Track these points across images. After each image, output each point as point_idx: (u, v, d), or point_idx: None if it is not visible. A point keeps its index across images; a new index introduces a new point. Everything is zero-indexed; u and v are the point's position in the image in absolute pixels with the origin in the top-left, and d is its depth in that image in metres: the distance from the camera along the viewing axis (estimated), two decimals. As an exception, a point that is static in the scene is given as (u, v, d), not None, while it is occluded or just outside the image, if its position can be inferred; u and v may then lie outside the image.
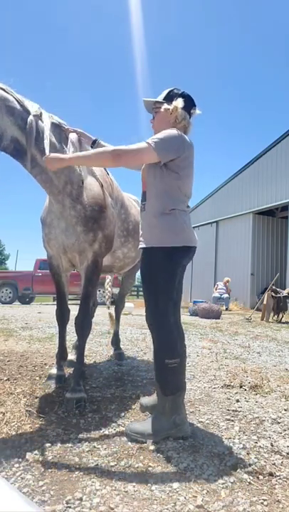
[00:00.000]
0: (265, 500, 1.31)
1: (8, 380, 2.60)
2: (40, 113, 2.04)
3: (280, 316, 8.66)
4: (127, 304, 7.17)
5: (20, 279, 12.95)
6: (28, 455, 1.54)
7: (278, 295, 8.79)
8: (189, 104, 1.96)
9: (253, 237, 14.13)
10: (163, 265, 1.83)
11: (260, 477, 1.47)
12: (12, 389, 2.33)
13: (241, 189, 14.54)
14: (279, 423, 2.03)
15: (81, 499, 1.26)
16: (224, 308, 11.61)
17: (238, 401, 2.37)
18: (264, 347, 4.68)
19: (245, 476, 1.47)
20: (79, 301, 2.37)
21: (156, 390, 1.87)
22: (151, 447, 1.67)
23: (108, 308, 3.93)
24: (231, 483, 1.41)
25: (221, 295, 12.30)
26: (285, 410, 2.23)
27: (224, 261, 15.50)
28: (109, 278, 4.29)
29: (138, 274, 3.39)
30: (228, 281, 12.77)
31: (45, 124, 2.03)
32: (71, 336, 3.54)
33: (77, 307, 2.36)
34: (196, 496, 1.30)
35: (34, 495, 1.27)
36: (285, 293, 9.02)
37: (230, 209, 15.17)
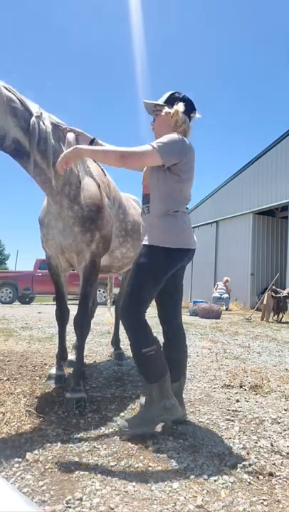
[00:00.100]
0: (265, 500, 1.31)
1: (8, 380, 2.60)
2: (41, 113, 2.04)
3: (280, 316, 8.67)
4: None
5: (20, 279, 12.96)
6: (28, 455, 1.54)
7: (278, 295, 8.80)
8: (190, 108, 1.99)
9: (253, 237, 14.13)
10: (155, 264, 1.85)
11: (260, 477, 1.47)
12: (12, 389, 2.33)
13: (241, 189, 14.54)
14: (279, 423, 2.03)
15: (81, 499, 1.26)
16: (224, 308, 11.61)
17: (238, 401, 2.37)
18: (264, 347, 4.68)
19: (245, 476, 1.47)
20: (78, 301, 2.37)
21: (142, 380, 1.90)
22: (151, 447, 1.68)
23: (109, 309, 3.93)
24: (231, 483, 1.41)
25: (221, 295, 12.30)
26: (285, 410, 2.23)
27: (224, 261, 15.50)
28: (112, 279, 4.30)
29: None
30: (227, 281, 12.77)
31: (47, 126, 2.04)
32: (71, 336, 3.54)
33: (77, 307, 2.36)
34: (196, 496, 1.30)
35: (34, 495, 1.27)
36: (285, 293, 9.03)
37: (230, 209, 15.17)
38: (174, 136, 1.88)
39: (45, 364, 3.10)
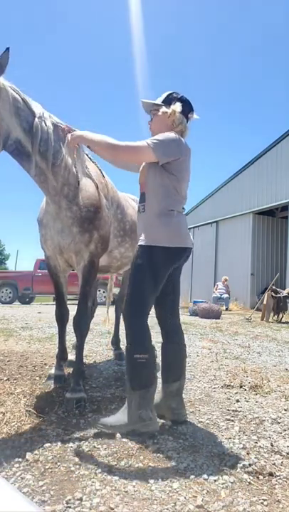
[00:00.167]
0: (265, 500, 1.31)
1: (8, 380, 2.60)
2: (43, 113, 2.05)
3: (280, 316, 8.67)
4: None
5: (20, 279, 12.96)
6: (28, 455, 1.54)
7: (278, 295, 8.80)
8: (187, 108, 1.99)
9: (253, 237, 14.13)
10: (151, 263, 1.85)
11: (260, 477, 1.47)
12: (12, 389, 2.33)
13: (241, 189, 14.54)
14: (279, 423, 2.03)
15: (81, 499, 1.26)
16: (224, 308, 11.62)
17: (238, 401, 2.37)
18: (264, 347, 4.68)
19: (245, 476, 1.47)
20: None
21: (126, 384, 1.89)
22: (151, 447, 1.68)
23: (107, 313, 3.93)
24: (231, 483, 1.41)
25: (221, 295, 12.31)
26: (285, 410, 2.23)
27: (224, 261, 15.50)
28: (112, 280, 4.30)
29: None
30: (226, 280, 12.78)
31: (48, 127, 2.05)
32: (71, 336, 3.53)
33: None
34: (196, 496, 1.30)
35: (34, 495, 1.27)
36: (285, 293, 9.03)
37: (230, 209, 15.17)
38: (170, 134, 1.89)
39: (45, 364, 3.10)
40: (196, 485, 1.38)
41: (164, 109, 1.97)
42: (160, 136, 1.85)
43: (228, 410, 2.19)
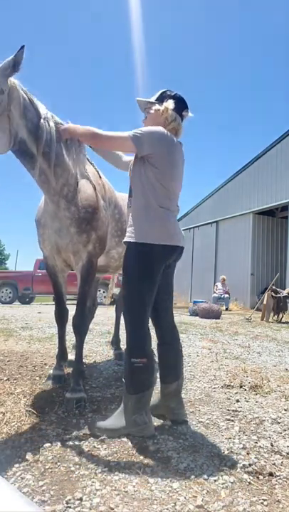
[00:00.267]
0: (265, 500, 1.31)
1: (8, 380, 2.60)
2: (46, 114, 2.07)
3: (280, 316, 8.67)
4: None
5: (20, 279, 12.96)
6: (28, 455, 1.54)
7: (278, 295, 8.80)
8: (181, 106, 1.98)
9: (253, 237, 14.13)
10: (140, 261, 1.83)
11: (260, 477, 1.47)
12: (12, 389, 2.33)
13: (241, 189, 14.54)
14: (279, 423, 2.03)
15: (81, 499, 1.26)
16: (224, 308, 11.61)
17: (238, 401, 2.37)
18: (264, 347, 4.68)
19: (245, 476, 1.47)
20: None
21: (123, 387, 1.87)
22: (151, 447, 1.68)
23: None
24: (231, 483, 1.41)
25: (221, 295, 12.31)
26: (285, 410, 2.23)
27: (224, 261, 15.49)
28: (114, 280, 4.31)
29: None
30: (224, 280, 12.79)
31: (51, 127, 2.06)
32: (71, 336, 3.53)
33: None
34: (196, 496, 1.30)
35: (34, 495, 1.27)
36: (285, 293, 9.02)
37: (230, 209, 15.17)
38: (155, 127, 1.90)
39: (45, 364, 3.10)
40: (196, 485, 1.38)
41: (156, 106, 1.97)
42: (143, 128, 1.87)
43: (228, 410, 2.19)
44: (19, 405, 2.05)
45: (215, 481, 1.42)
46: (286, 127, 13.55)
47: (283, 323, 8.30)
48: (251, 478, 1.46)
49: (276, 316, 8.69)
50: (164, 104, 1.95)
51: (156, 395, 2.01)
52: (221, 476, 1.46)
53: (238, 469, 1.52)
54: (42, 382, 2.56)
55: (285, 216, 13.98)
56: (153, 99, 2.01)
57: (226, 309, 11.81)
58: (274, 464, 1.57)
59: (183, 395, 2.06)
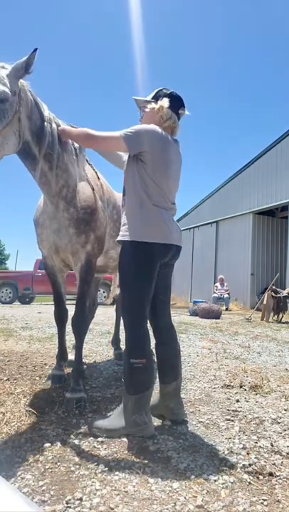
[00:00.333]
0: (265, 500, 1.31)
1: (8, 380, 2.60)
2: (49, 115, 2.09)
3: (280, 316, 8.66)
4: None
5: (20, 279, 12.95)
6: (28, 455, 1.54)
7: (278, 295, 8.79)
8: (177, 104, 1.98)
9: (253, 237, 14.12)
10: (135, 260, 1.83)
11: (260, 477, 1.47)
12: (12, 389, 2.33)
13: (241, 189, 14.53)
14: (279, 423, 2.03)
15: (81, 499, 1.26)
16: (224, 308, 11.61)
17: (238, 401, 2.37)
18: (264, 347, 4.68)
19: (245, 476, 1.47)
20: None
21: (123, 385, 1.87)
22: (151, 447, 1.68)
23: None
24: (231, 483, 1.41)
25: (221, 295, 12.31)
26: (285, 410, 2.23)
27: (224, 261, 15.49)
28: (116, 282, 4.30)
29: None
30: (222, 280, 12.79)
31: (53, 129, 2.08)
32: (71, 336, 3.53)
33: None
34: (196, 496, 1.30)
35: (34, 495, 1.27)
36: (285, 293, 9.02)
37: (230, 209, 15.17)
38: (146, 126, 1.90)
39: (45, 364, 3.10)
40: (196, 485, 1.38)
41: (152, 105, 1.97)
42: (135, 127, 1.87)
43: (228, 410, 2.19)
44: (19, 405, 2.05)
45: (215, 481, 1.42)
46: (286, 127, 13.55)
47: (283, 323, 8.30)
48: (251, 478, 1.46)
49: (276, 316, 8.69)
50: (159, 102, 1.94)
51: (155, 395, 2.01)
52: (221, 476, 1.46)
53: (238, 469, 1.52)
54: (42, 382, 2.56)
55: (285, 216, 13.98)
56: (149, 97, 2.01)
57: (226, 309, 11.80)
58: (274, 464, 1.57)
59: (183, 395, 2.06)
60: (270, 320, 8.54)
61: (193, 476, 1.43)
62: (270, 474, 1.48)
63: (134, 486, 1.35)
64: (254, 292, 13.76)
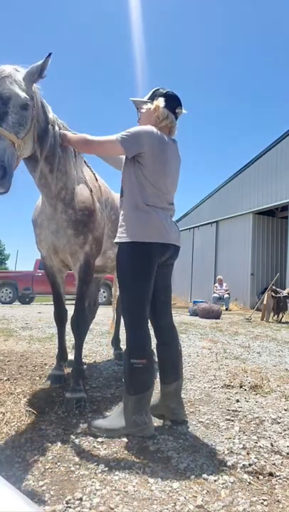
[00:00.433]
0: (265, 500, 1.31)
1: (8, 380, 2.60)
2: (52, 117, 2.10)
3: (280, 316, 8.66)
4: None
5: (20, 279, 12.96)
6: (28, 455, 1.54)
7: (278, 295, 8.79)
8: (173, 103, 1.97)
9: (253, 237, 14.13)
10: (132, 261, 1.83)
11: (260, 477, 1.47)
12: (12, 389, 2.33)
13: (241, 189, 14.54)
14: (279, 423, 2.03)
15: (81, 499, 1.26)
16: (224, 308, 11.62)
17: (238, 401, 2.37)
18: (264, 347, 4.68)
19: (245, 476, 1.47)
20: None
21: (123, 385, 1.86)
22: (151, 447, 1.68)
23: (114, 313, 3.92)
24: (231, 483, 1.41)
25: (221, 295, 12.31)
26: (285, 410, 2.23)
27: (224, 261, 15.50)
28: (117, 284, 4.30)
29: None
30: (221, 280, 12.80)
31: (56, 132, 2.09)
32: (71, 336, 3.53)
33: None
34: (196, 496, 1.30)
35: (34, 495, 1.27)
36: (285, 293, 9.02)
37: (230, 209, 15.17)
38: (142, 127, 1.90)
39: (45, 364, 3.10)
40: (196, 485, 1.38)
41: (148, 105, 1.97)
42: (131, 129, 1.87)
43: (228, 410, 2.19)
44: (19, 405, 2.05)
45: (215, 481, 1.42)
46: (286, 127, 13.55)
47: (283, 323, 8.30)
48: (251, 478, 1.46)
49: (276, 316, 8.69)
50: (155, 102, 1.94)
51: (156, 395, 2.01)
52: (221, 476, 1.46)
53: (238, 469, 1.52)
54: (42, 382, 2.56)
55: (285, 216, 13.98)
56: (146, 98, 2.01)
57: (226, 309, 11.81)
58: (274, 464, 1.57)
59: (183, 395, 2.06)
60: (270, 320, 8.54)
61: (193, 476, 1.43)
62: (270, 474, 1.48)
63: (134, 486, 1.35)
64: (254, 292, 13.77)
